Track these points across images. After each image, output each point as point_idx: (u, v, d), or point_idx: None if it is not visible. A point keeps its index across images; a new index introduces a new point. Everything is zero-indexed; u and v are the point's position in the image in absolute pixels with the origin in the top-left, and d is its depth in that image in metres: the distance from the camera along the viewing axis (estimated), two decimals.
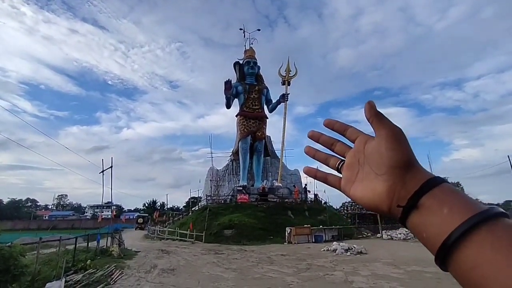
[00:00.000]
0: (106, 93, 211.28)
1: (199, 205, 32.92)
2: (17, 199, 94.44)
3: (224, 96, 34.52)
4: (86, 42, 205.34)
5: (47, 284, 6.52)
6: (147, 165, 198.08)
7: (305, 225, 21.24)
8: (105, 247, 15.33)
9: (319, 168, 0.59)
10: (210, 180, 32.72)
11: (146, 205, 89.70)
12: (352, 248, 14.64)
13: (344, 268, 10.37)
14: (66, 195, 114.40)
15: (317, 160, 0.58)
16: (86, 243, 13.09)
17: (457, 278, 0.35)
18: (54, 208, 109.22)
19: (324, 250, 15.38)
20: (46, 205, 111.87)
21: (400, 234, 22.51)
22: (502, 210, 0.36)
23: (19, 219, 75.20)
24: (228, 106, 35.68)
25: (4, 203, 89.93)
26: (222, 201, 28.65)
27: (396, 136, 0.44)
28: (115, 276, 9.59)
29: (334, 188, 0.53)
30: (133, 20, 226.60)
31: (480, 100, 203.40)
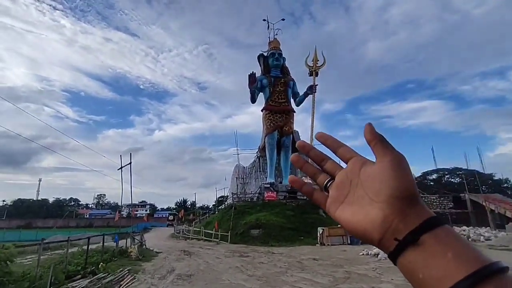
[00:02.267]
0: (138, 97, 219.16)
1: (226, 203, 31.87)
2: (61, 199, 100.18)
3: (249, 90, 33.22)
4: (119, 49, 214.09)
5: None
6: (179, 165, 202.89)
7: (339, 225, 19.22)
8: (125, 247, 14.54)
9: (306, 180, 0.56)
10: (236, 177, 31.57)
11: (177, 204, 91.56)
12: None
13: (393, 279, 8.49)
14: (104, 195, 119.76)
15: (304, 173, 0.54)
16: (102, 244, 12.24)
17: None
18: (94, 207, 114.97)
19: (363, 254, 13.44)
20: (87, 204, 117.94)
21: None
22: (506, 265, 0.34)
23: (62, 217, 79.28)
24: (253, 100, 34.27)
25: (50, 202, 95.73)
26: (249, 199, 27.36)
27: (402, 165, 0.41)
28: (125, 283, 8.50)
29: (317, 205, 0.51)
30: (162, 25, 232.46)
31: None
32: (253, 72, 32.83)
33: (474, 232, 19.49)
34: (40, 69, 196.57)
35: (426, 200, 27.32)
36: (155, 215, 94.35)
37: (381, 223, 0.39)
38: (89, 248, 12.85)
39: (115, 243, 14.28)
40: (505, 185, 55.91)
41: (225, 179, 35.59)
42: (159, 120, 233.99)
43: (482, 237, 17.89)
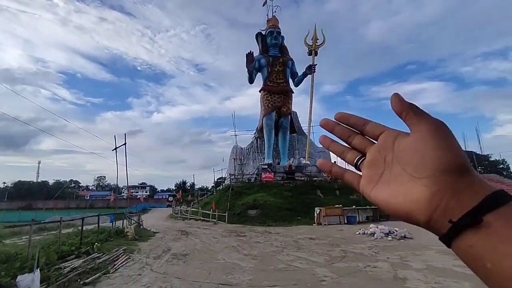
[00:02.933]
0: (136, 78, 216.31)
1: (223, 184, 31.92)
2: (61, 181, 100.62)
3: (246, 70, 32.49)
4: (115, 29, 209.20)
5: (18, 277, 5.36)
6: (178, 147, 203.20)
7: (336, 205, 19.32)
8: (121, 227, 14.52)
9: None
10: (234, 158, 31.44)
11: (177, 185, 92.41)
12: (393, 232, 12.58)
13: (389, 257, 8.45)
14: (104, 177, 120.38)
15: (332, 152, 0.50)
16: (97, 224, 12.15)
17: None
18: (94, 188, 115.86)
19: (359, 234, 13.47)
20: (87, 186, 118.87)
21: None
22: None
23: (62, 199, 79.80)
24: (251, 81, 33.62)
25: (50, 184, 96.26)
26: (246, 180, 27.33)
27: (443, 132, 0.36)
28: (119, 262, 8.43)
29: (351, 187, 0.46)
30: (158, 4, 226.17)
31: None
32: (250, 51, 31.99)
33: None
34: (35, 50, 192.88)
35: None
36: (155, 197, 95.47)
37: (427, 202, 0.34)
38: (87, 228, 12.83)
39: (111, 223, 14.25)
40: (501, 166, 56.34)
41: (223, 160, 35.48)
42: (158, 102, 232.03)
43: None
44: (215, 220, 20.43)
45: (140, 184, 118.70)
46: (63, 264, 7.87)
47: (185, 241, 12.55)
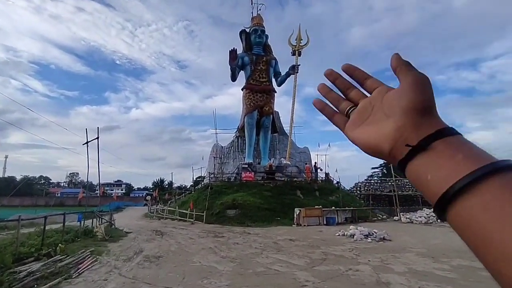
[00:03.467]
0: (114, 72, 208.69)
1: (202, 183, 31.17)
2: (29, 176, 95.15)
3: (229, 67, 31.89)
4: (93, 20, 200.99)
5: None
6: (157, 145, 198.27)
7: (315, 206, 19.24)
8: (91, 227, 13.60)
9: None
10: (214, 157, 30.78)
11: (154, 184, 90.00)
12: (372, 234, 12.55)
13: (370, 260, 8.28)
14: (77, 173, 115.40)
15: (327, 99, 0.54)
16: (63, 223, 11.24)
17: (456, 228, 0.32)
18: (66, 185, 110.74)
19: (339, 235, 13.36)
20: (58, 183, 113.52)
21: (420, 217, 20.41)
22: None
23: (31, 195, 75.55)
24: (233, 78, 32.98)
25: (18, 180, 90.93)
26: (226, 179, 26.76)
27: (423, 81, 0.41)
28: (84, 266, 7.73)
29: (336, 127, 0.52)
30: None
31: (496, 81, 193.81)
32: (234, 48, 31.36)
33: None
34: (6, 38, 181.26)
35: (399, 182, 27.92)
36: (131, 195, 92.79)
37: (392, 134, 0.40)
38: (51, 228, 11.88)
39: (78, 222, 13.30)
40: None
41: (202, 159, 34.55)
42: (137, 98, 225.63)
43: None
44: (192, 220, 19.76)
45: (115, 181, 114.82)
46: (19, 267, 7.09)
47: (160, 242, 11.89)
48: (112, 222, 16.01)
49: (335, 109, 0.52)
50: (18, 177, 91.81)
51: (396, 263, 7.87)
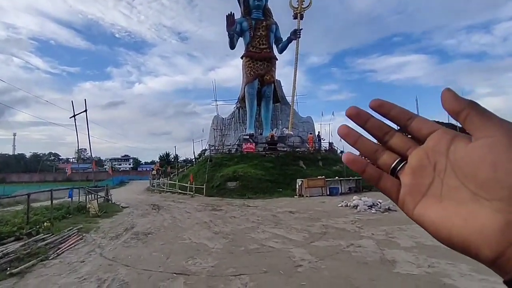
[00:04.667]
0: (114, 47, 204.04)
1: (203, 156, 30.68)
2: (39, 153, 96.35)
3: (227, 34, 30.09)
4: None
5: None
6: (162, 119, 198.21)
7: (318, 176, 18.61)
8: (84, 203, 13.22)
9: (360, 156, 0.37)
10: (214, 129, 29.99)
11: (161, 158, 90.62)
12: (377, 204, 11.91)
13: (373, 233, 7.63)
14: (85, 149, 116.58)
15: (359, 150, 0.37)
16: (51, 199, 10.75)
17: None
18: (75, 161, 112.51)
19: (341, 206, 12.77)
20: (68, 159, 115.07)
21: None
22: None
23: (41, 172, 76.72)
24: (232, 46, 31.25)
25: (27, 157, 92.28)
26: (227, 151, 26.13)
27: None
28: (67, 245, 7.24)
29: (386, 196, 0.35)
30: None
31: (510, 44, 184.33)
32: (231, 12, 29.34)
33: None
34: (5, 15, 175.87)
35: None
36: (139, 169, 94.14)
37: (500, 233, 0.25)
38: (42, 205, 11.50)
39: (69, 198, 12.89)
40: None
41: (203, 131, 33.62)
42: (139, 72, 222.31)
43: None
44: (192, 193, 19.42)
45: (123, 156, 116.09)
46: None
47: (154, 217, 11.46)
48: (109, 197, 15.64)
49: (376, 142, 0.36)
50: (28, 155, 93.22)
51: (402, 237, 7.21)
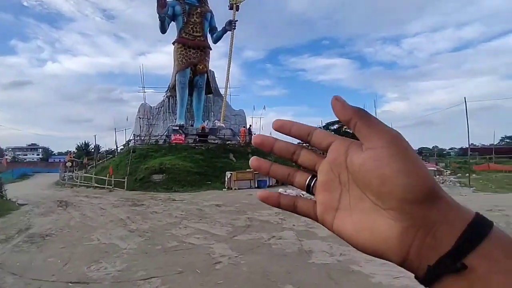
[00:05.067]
0: (21, 16, 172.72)
1: (127, 146, 28.27)
2: None
3: (158, 16, 27.99)
4: None
5: None
6: (82, 104, 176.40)
7: (247, 169, 18.76)
8: None
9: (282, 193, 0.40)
10: (140, 117, 27.85)
11: (78, 148, 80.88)
12: (301, 195, 12.38)
13: (294, 225, 7.89)
14: None
15: (275, 178, 0.40)
16: None
17: None
18: None
19: None
20: None
21: None
22: None
23: None
24: (163, 30, 29.22)
25: None
26: (154, 142, 24.53)
27: (402, 148, 0.28)
28: None
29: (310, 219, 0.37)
30: None
31: (413, 57, 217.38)
32: None
33: None
34: None
35: None
36: (50, 160, 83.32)
37: (398, 240, 0.27)
38: None
39: None
40: None
41: (127, 119, 30.80)
42: (52, 49, 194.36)
43: None
44: (111, 187, 17.65)
45: (29, 145, 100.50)
46: None
47: (59, 215, 9.95)
48: (2, 193, 13.12)
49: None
50: None
51: (319, 227, 7.46)
